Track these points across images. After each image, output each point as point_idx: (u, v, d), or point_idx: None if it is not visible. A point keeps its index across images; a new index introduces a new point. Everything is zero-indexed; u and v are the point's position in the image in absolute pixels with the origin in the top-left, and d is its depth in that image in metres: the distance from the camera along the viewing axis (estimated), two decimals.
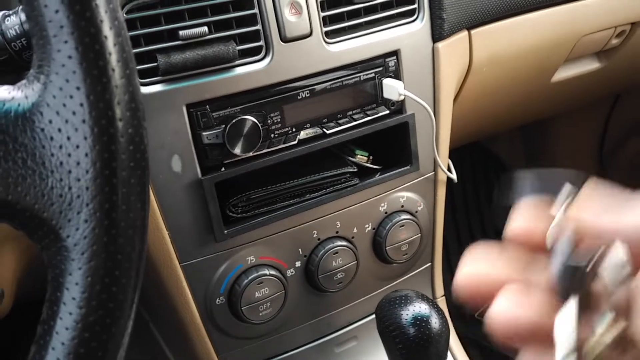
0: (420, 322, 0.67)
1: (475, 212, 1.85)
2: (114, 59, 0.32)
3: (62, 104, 0.31)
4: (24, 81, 0.33)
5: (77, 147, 0.32)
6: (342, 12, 0.74)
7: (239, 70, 0.69)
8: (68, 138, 0.32)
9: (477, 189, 1.87)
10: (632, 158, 1.66)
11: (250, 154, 0.71)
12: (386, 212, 0.83)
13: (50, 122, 0.32)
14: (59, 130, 0.32)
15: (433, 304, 0.71)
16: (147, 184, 0.34)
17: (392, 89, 0.77)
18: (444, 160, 0.87)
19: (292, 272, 0.79)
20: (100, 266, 0.33)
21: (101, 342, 0.33)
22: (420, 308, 0.69)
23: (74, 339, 0.32)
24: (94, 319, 0.33)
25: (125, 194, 0.33)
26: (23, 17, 0.43)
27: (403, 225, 0.83)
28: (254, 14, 0.68)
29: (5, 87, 0.33)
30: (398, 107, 0.80)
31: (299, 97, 0.73)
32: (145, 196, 0.34)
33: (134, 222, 0.34)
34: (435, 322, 0.68)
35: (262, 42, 0.69)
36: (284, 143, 0.73)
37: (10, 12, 0.44)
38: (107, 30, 0.32)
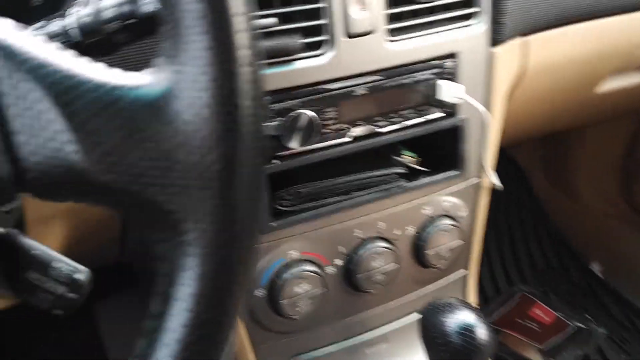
0: (467, 331, 0.66)
1: (491, 216, 1.84)
2: (247, 53, 0.31)
3: (193, 97, 0.30)
4: (151, 69, 0.32)
5: (204, 141, 0.31)
6: (405, 11, 0.73)
7: (301, 63, 0.68)
8: (195, 131, 0.31)
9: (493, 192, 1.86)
10: None
11: (304, 148, 0.70)
12: (430, 216, 0.82)
13: (179, 113, 0.30)
14: (187, 122, 0.30)
15: (478, 313, 0.70)
16: (263, 180, 0.33)
17: (449, 91, 0.76)
18: (491, 167, 0.86)
19: (331, 270, 0.78)
20: (220, 264, 0.32)
21: (214, 340, 0.32)
22: (467, 317, 0.68)
23: (188, 336, 0.31)
24: (208, 317, 0.32)
25: (247, 189, 0.32)
26: None
27: (446, 231, 0.82)
28: (320, 8, 0.67)
29: (133, 73, 0.31)
30: (451, 110, 0.79)
31: (356, 94, 0.72)
32: (260, 193, 0.33)
33: (252, 220, 0.33)
34: (481, 332, 0.67)
35: (326, 37, 0.68)
36: (337, 139, 0.72)
37: None
38: (242, 23, 0.31)
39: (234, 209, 0.32)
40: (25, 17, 0.62)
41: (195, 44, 0.30)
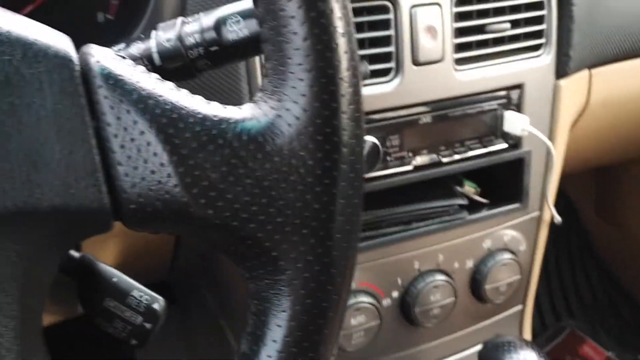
0: None
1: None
2: (349, 91, 0.30)
3: (294, 133, 0.30)
4: (252, 103, 0.31)
5: (303, 178, 0.30)
6: (472, 41, 0.72)
7: (367, 90, 0.67)
8: (295, 168, 0.30)
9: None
10: None
11: (366, 175, 0.68)
12: (489, 249, 0.80)
13: (279, 149, 0.30)
14: (287, 158, 0.30)
15: (541, 353, 0.67)
16: (361, 220, 0.32)
17: (515, 123, 0.74)
18: (552, 200, 0.84)
19: (388, 302, 0.76)
20: (317, 306, 0.31)
21: None
22: (529, 357, 0.66)
23: None
24: None
25: (345, 230, 0.31)
26: (204, 23, 0.41)
27: (505, 265, 0.80)
28: (389, 36, 0.66)
29: (233, 107, 0.31)
30: (515, 141, 0.77)
31: (420, 122, 0.71)
32: (358, 233, 0.32)
33: (348, 261, 0.32)
34: None
35: (393, 64, 0.67)
36: (399, 167, 0.71)
37: (190, 19, 0.42)
38: (346, 61, 0.30)
39: (331, 250, 0.31)
40: (92, 34, 0.62)
41: (299, 81, 0.30)
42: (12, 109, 0.27)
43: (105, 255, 0.73)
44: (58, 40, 0.29)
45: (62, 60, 0.28)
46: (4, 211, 0.27)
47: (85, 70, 0.29)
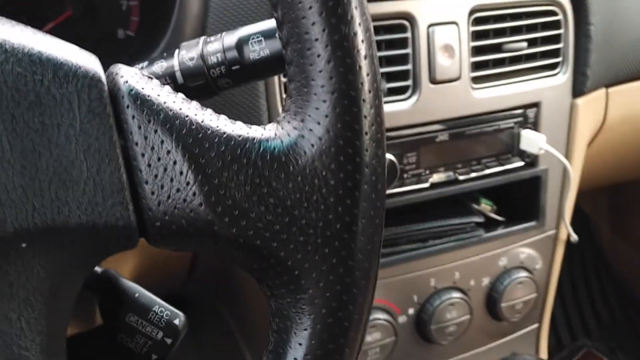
0: None
1: None
2: (372, 112, 0.31)
3: (316, 153, 0.30)
4: (275, 123, 0.32)
5: (325, 198, 0.30)
6: (489, 60, 0.72)
7: (384, 108, 0.67)
8: (317, 188, 0.30)
9: None
10: None
11: None
12: (505, 267, 0.80)
13: (301, 168, 0.30)
14: (309, 178, 0.30)
15: None
16: (381, 240, 0.33)
17: (531, 141, 0.74)
18: (568, 219, 0.83)
19: (404, 319, 0.76)
20: (338, 325, 0.31)
21: None
22: None
23: None
24: None
25: (366, 250, 0.31)
26: (226, 43, 0.41)
27: (521, 283, 0.80)
28: (406, 54, 0.67)
29: (257, 126, 0.31)
30: (532, 159, 0.77)
31: (436, 140, 0.71)
32: (379, 252, 0.33)
33: (372, 280, 0.32)
34: None
35: (410, 82, 0.68)
36: (416, 185, 0.71)
37: (212, 38, 0.43)
38: (369, 83, 0.31)
39: (352, 270, 0.31)
40: (112, 50, 0.63)
41: (322, 102, 0.30)
42: (43, 129, 0.27)
43: (121, 267, 0.74)
44: (87, 60, 0.29)
45: (91, 80, 0.28)
46: (33, 228, 0.27)
47: (114, 90, 0.29)
